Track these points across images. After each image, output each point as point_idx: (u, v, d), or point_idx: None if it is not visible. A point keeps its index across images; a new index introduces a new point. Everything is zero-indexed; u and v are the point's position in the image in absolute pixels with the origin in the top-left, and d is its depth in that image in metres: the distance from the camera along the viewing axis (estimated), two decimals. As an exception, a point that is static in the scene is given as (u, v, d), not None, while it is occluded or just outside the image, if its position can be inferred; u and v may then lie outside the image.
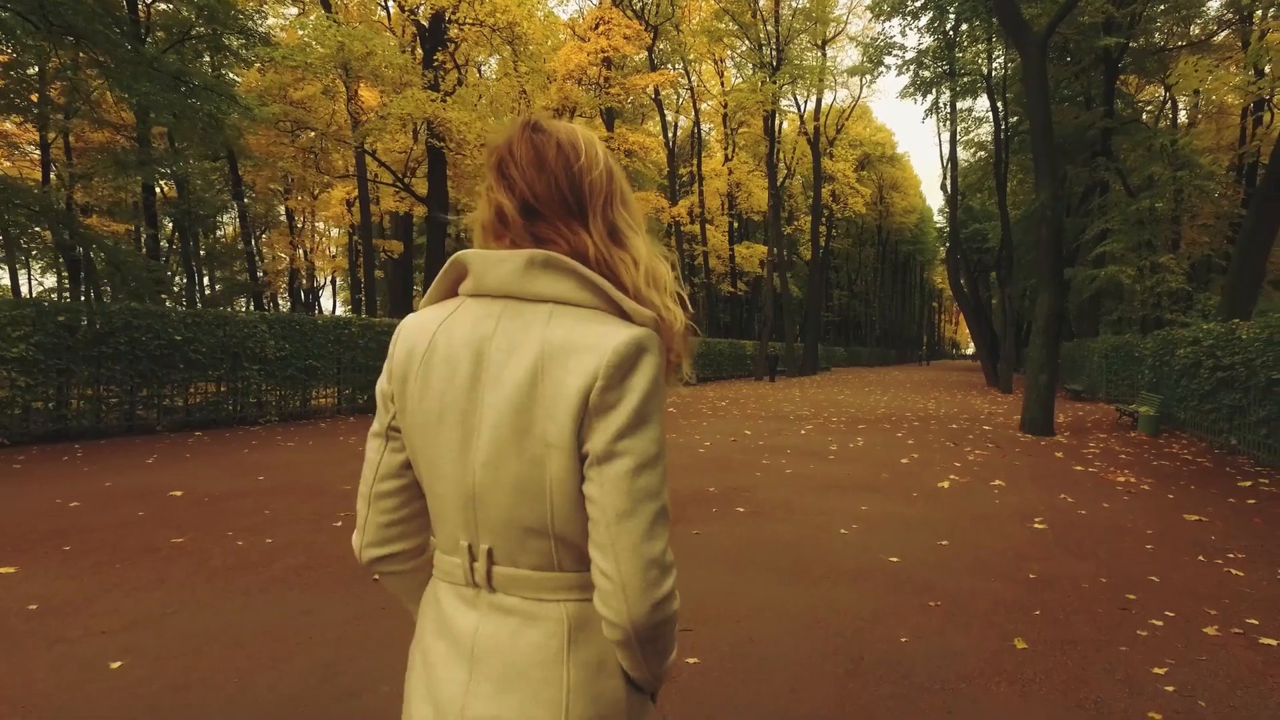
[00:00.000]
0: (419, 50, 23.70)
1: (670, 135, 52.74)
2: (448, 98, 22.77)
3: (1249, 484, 7.79)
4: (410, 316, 1.05)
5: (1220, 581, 4.48)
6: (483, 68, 32.77)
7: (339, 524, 5.52)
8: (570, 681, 0.97)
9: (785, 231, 50.92)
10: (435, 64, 22.23)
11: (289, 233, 37.95)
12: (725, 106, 43.95)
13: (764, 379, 34.37)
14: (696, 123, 46.47)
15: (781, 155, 48.95)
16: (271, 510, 5.92)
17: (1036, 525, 5.81)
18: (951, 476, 7.96)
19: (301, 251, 38.76)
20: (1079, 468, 8.80)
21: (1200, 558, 4.99)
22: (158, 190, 24.80)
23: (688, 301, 1.05)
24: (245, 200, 32.32)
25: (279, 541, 4.99)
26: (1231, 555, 5.05)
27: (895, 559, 4.84)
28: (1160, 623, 3.75)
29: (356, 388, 15.44)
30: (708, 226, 48.51)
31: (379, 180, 25.61)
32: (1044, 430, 12.07)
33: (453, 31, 22.94)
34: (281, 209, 38.09)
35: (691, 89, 44.70)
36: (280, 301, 42.62)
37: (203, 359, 12.60)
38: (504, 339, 0.96)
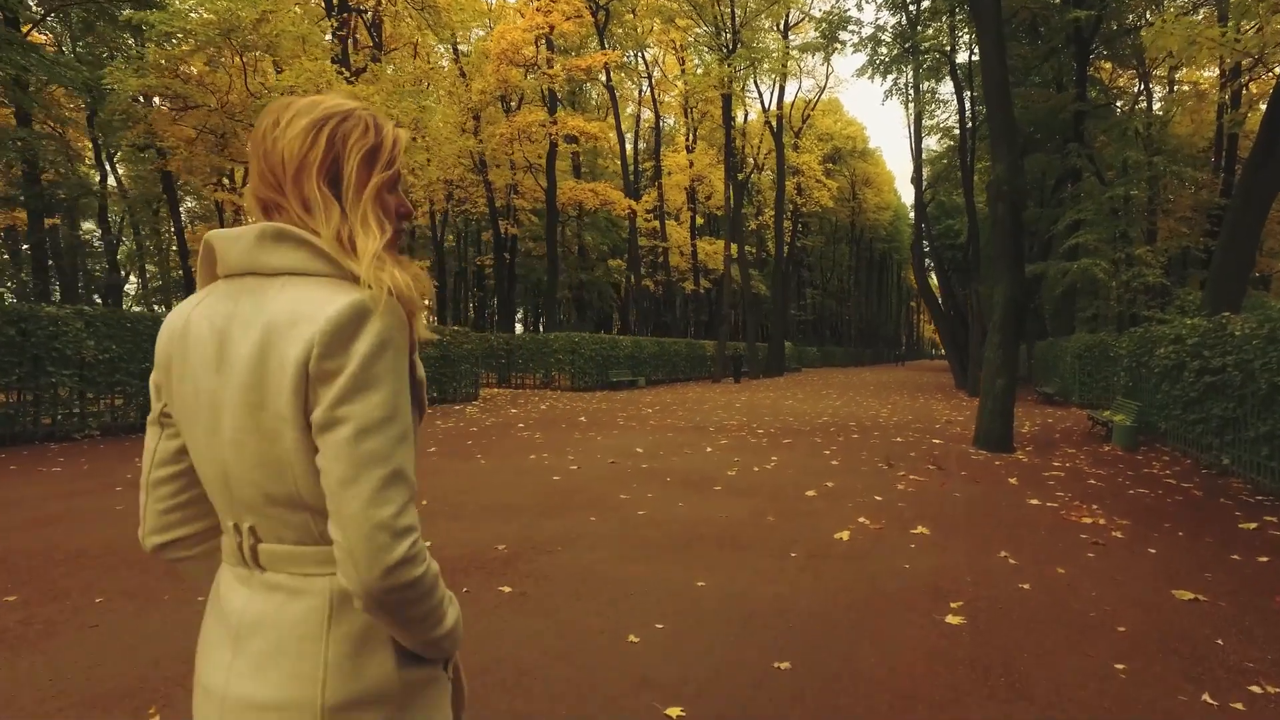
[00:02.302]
0: (327, 22, 21.49)
1: (634, 127, 50.87)
2: (358, 75, 20.57)
3: (1254, 526, 5.81)
4: (175, 306, 1.06)
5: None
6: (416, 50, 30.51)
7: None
8: (328, 656, 0.95)
9: (750, 227, 49.11)
10: (341, 34, 20.04)
11: (220, 226, 35.48)
12: (686, 99, 42.09)
13: (723, 381, 32.48)
14: (656, 114, 44.49)
15: (747, 149, 47.07)
16: None
17: (950, 619, 3.75)
18: (862, 519, 5.92)
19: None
20: (1035, 500, 6.79)
21: (1206, 696, 2.96)
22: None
23: (411, 263, 1.02)
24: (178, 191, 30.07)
25: None
26: (1257, 687, 3.03)
27: (678, 716, 2.77)
28: None
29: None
30: (671, 222, 46.60)
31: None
32: (1001, 445, 10.09)
33: (359, -1, 20.75)
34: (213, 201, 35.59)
35: (650, 78, 42.70)
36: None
37: (-11, 362, 10.35)
38: (242, 317, 0.96)
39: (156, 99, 23.07)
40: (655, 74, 44.23)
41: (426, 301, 1.01)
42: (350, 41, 25.01)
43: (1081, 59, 21.42)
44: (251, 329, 0.95)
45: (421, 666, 1.02)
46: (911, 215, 65.21)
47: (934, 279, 31.80)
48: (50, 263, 42.30)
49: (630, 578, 4.37)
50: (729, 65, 30.41)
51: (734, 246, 36.56)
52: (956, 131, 26.76)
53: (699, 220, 48.24)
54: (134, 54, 20.01)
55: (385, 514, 0.90)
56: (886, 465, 8.72)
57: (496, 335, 29.35)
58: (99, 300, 36.91)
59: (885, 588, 4.25)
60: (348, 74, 18.52)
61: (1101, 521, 5.93)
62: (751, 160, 48.45)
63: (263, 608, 0.99)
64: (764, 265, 50.54)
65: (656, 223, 43.77)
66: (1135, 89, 27.77)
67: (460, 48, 34.89)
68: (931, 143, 32.05)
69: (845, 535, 5.36)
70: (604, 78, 36.47)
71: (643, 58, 43.14)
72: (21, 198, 22.94)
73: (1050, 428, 13.44)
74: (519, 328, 52.88)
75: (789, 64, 34.14)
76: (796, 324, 71.16)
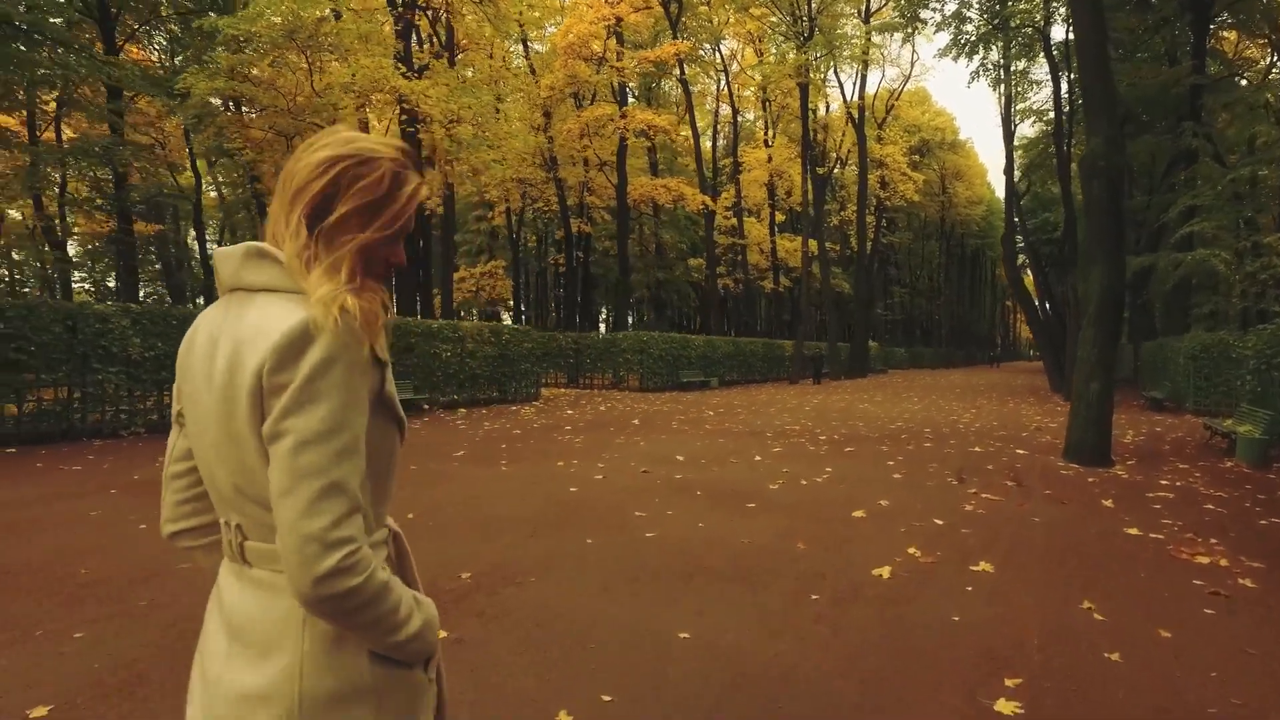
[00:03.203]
0: (390, 24, 21.46)
1: (712, 123, 49.83)
2: (423, 72, 20.44)
3: None
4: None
5: None
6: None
7: None
8: (305, 652, 0.99)
9: (832, 223, 47.33)
10: (398, 29, 19.90)
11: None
12: (764, 90, 40.77)
13: (800, 382, 31.22)
14: (734, 108, 43.36)
15: (829, 143, 45.32)
16: None
17: (1002, 706, 2.78)
18: (912, 550, 4.91)
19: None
20: (1134, 529, 5.59)
21: None
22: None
23: (379, 294, 1.05)
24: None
25: None
26: None
27: None
28: None
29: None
30: (750, 220, 45.35)
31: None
32: (1096, 458, 8.73)
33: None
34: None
35: (726, 71, 41.58)
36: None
37: (29, 359, 10.39)
38: (227, 331, 1.02)
39: (232, 103, 23.68)
40: (733, 68, 43.13)
41: (382, 322, 1.03)
42: (423, 40, 25.07)
43: (1200, 28, 19.22)
44: (228, 341, 1.01)
45: (397, 667, 1.06)
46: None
47: (1030, 276, 29.64)
48: (158, 266, 44.79)
49: (600, 622, 3.55)
50: (805, 53, 29.11)
51: (813, 243, 35.10)
52: (1051, 114, 24.68)
53: (779, 217, 46.76)
54: (209, 59, 20.49)
55: (316, 526, 0.92)
56: (956, 480, 7.59)
57: (565, 334, 28.97)
58: (201, 304, 38.62)
59: (922, 648, 3.29)
60: (404, 71, 18.29)
61: (1223, 562, 4.73)
62: (834, 155, 46.69)
63: (251, 603, 1.04)
64: (849, 263, 48.59)
65: (735, 220, 42.64)
66: (1267, 60, 24.95)
67: (535, 46, 34.79)
68: (1025, 129, 29.87)
69: (885, 572, 4.38)
70: (678, 72, 35.69)
71: (719, 52, 42.08)
72: (139, 206, 23.99)
73: (1158, 438, 11.84)
74: (603, 328, 52.54)
75: (870, 51, 32.50)
76: (883, 324, 68.52)
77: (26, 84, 19.72)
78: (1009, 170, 25.35)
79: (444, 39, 25.17)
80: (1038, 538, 5.31)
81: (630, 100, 44.07)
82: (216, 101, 22.77)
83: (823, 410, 16.38)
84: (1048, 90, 30.73)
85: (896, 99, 42.91)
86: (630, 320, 59.49)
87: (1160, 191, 22.78)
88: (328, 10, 19.16)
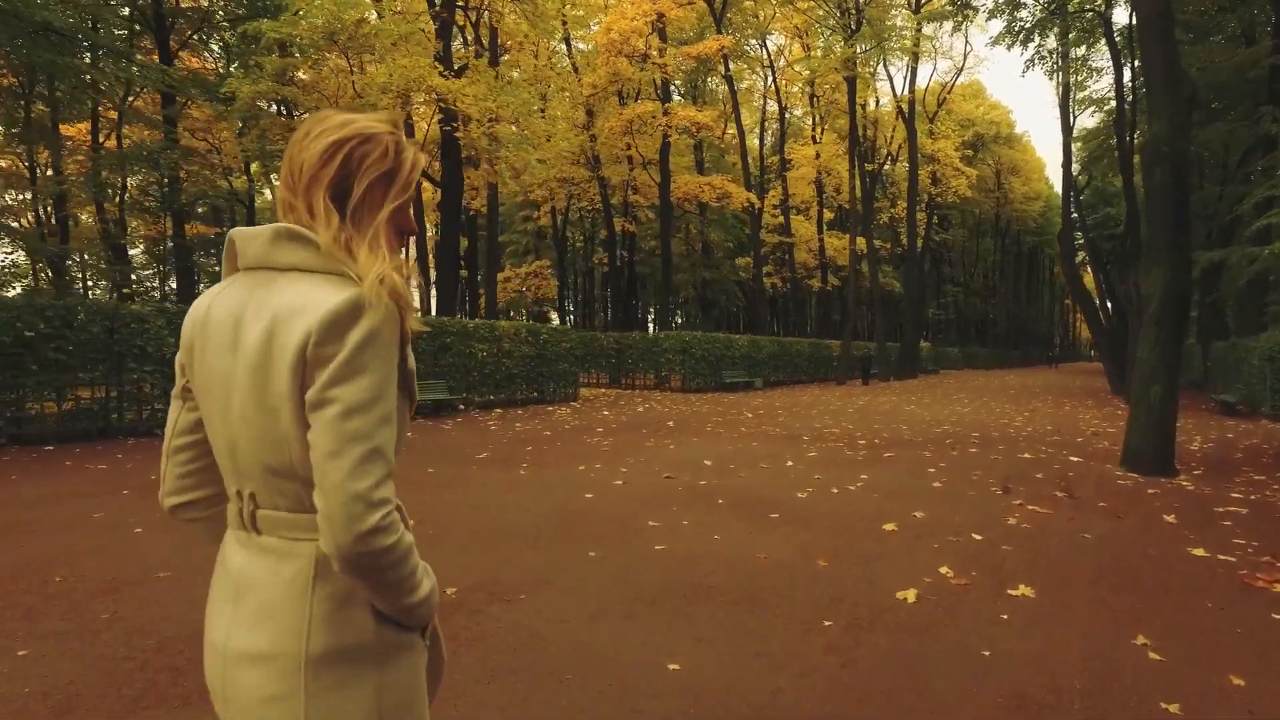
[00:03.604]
0: (429, 25, 21.48)
1: (759, 120, 49.12)
2: (461, 72, 20.40)
3: None
4: (202, 294, 1.17)
5: None
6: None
7: None
8: (313, 612, 1.05)
9: (882, 220, 46.23)
10: (436, 28, 19.86)
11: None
12: (811, 86, 39.95)
13: (848, 383, 30.50)
14: (780, 104, 42.62)
15: (879, 139, 44.25)
16: None
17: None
18: (944, 569, 4.47)
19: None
20: (1201, 550, 5.03)
21: None
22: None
23: (407, 267, 1.11)
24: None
25: None
26: None
27: None
28: None
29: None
30: (798, 218, 44.55)
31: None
32: (1157, 467, 8.07)
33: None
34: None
35: (772, 67, 40.88)
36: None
37: (67, 359, 10.53)
38: (254, 306, 1.07)
39: (282, 107, 24.07)
40: (779, 64, 42.40)
41: (410, 296, 1.08)
42: (469, 41, 25.13)
43: (1282, 4, 17.95)
44: (261, 317, 1.05)
45: (399, 630, 1.11)
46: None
47: (1090, 274, 28.31)
48: (219, 269, 46.11)
49: (584, 650, 3.22)
50: (852, 46, 28.36)
51: (861, 240, 34.22)
52: (1113, 103, 23.49)
53: (828, 215, 45.82)
54: (254, 64, 20.79)
55: (363, 486, 0.98)
56: (1001, 490, 7.05)
57: (606, 334, 28.78)
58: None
59: (941, 692, 2.87)
60: (442, 70, 18.23)
61: (1303, 590, 4.18)
62: (885, 150, 45.54)
63: (258, 568, 1.09)
64: (900, 261, 47.35)
65: (782, 218, 41.92)
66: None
67: (579, 45, 34.65)
68: (1085, 119, 28.58)
69: (911, 595, 3.95)
70: (723, 68, 35.19)
71: (765, 48, 41.40)
72: (200, 210, 24.63)
73: (1230, 445, 11.01)
74: (651, 328, 52.23)
75: (920, 43, 31.52)
76: (936, 323, 66.83)
77: (90, 92, 20.38)
78: (1066, 163, 24.22)
79: (487, 39, 25.21)
80: (1087, 558, 4.80)
81: (676, 98, 43.71)
82: (270, 107, 23.15)
83: (866, 412, 15.79)
84: (1108, 78, 29.23)
85: (948, 92, 41.62)
86: (680, 320, 59.15)
87: (1234, 182, 21.47)
88: (369, 12, 19.24)
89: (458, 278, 23.10)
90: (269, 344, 1.03)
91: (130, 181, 26.02)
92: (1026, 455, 9.47)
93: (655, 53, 27.94)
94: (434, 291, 38.68)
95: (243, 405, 1.06)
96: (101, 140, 25.47)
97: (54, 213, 26.52)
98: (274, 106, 23.97)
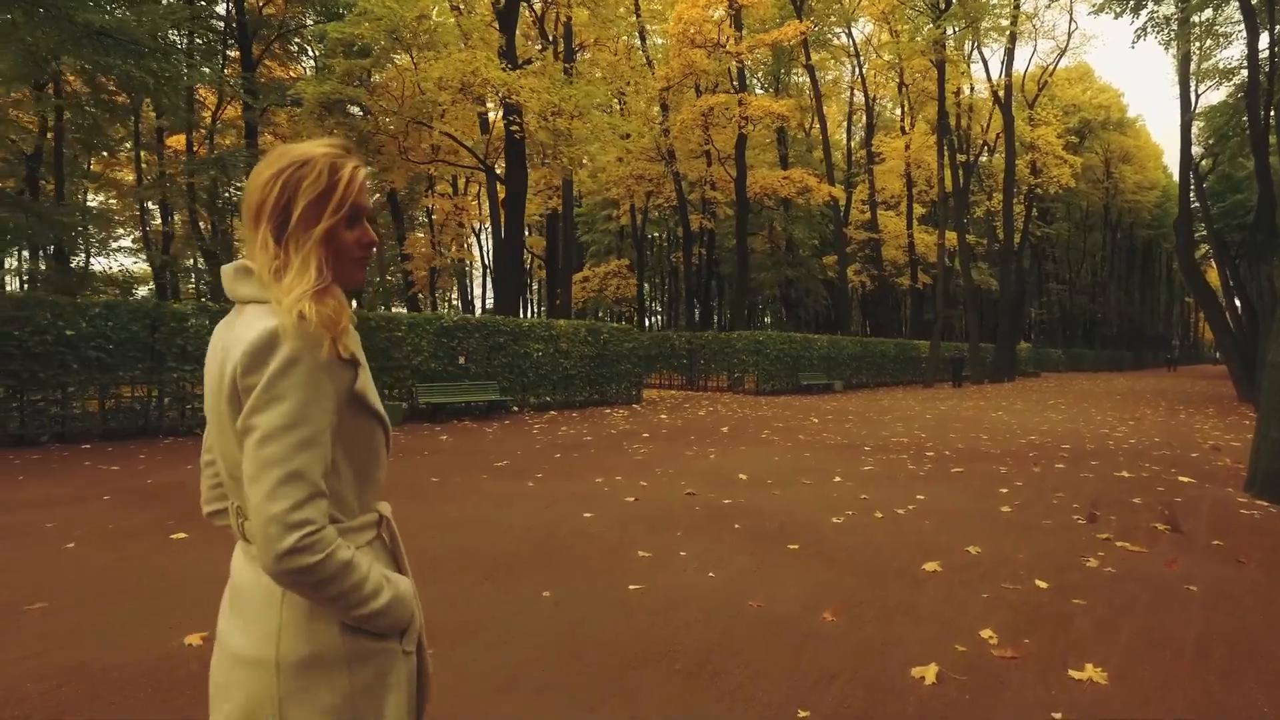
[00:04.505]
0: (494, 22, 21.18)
1: (846, 112, 47.25)
2: (525, 66, 20.00)
3: None
4: None
5: None
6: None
7: None
8: (283, 619, 1.10)
9: (975, 214, 43.59)
10: (500, 22, 19.49)
11: (429, 231, 37.37)
12: (900, 74, 37.91)
13: (936, 385, 28.74)
14: (866, 94, 40.75)
15: (974, 129, 41.59)
16: None
17: None
18: (986, 633, 3.45)
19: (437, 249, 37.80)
20: (1348, 611, 3.81)
21: None
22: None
23: (331, 297, 1.13)
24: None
25: None
26: None
27: None
28: None
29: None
30: (888, 213, 42.53)
31: (457, 164, 23.43)
32: (1292, 494, 6.63)
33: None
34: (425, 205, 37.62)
35: (858, 57, 39.08)
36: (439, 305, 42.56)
37: (106, 357, 10.51)
38: (223, 339, 1.16)
39: (359, 108, 24.28)
40: (868, 55, 40.52)
41: (343, 324, 1.11)
42: (551, 39, 24.80)
43: None
44: (222, 348, 1.14)
45: (370, 637, 1.14)
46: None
47: (1214, 267, 25.54)
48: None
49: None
50: (940, 27, 26.54)
51: (951, 235, 32.15)
52: (1243, 74, 20.96)
53: (918, 209, 43.53)
54: (324, 65, 21.02)
55: (278, 509, 1.03)
56: (1085, 519, 5.85)
57: (678, 334, 27.98)
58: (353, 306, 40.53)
59: None
60: (501, 64, 17.84)
61: None
62: (981, 140, 42.84)
63: (248, 575, 1.16)
64: (998, 258, 44.51)
65: (870, 214, 40.05)
66: None
67: (657, 40, 33.93)
68: (1210, 96, 25.77)
69: (931, 674, 2.98)
70: (804, 58, 33.78)
71: (850, 36, 39.59)
72: None
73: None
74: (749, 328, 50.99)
75: (1017, 21, 29.28)
76: (1037, 323, 62.88)
77: (182, 99, 21.12)
78: (1185, 143, 21.76)
79: (560, 35, 24.83)
80: (1190, 621, 3.67)
81: (759, 92, 42.39)
82: (359, 111, 23.33)
83: (945, 419, 14.39)
84: (1238, 46, 26.21)
85: (1050, 75, 38.73)
86: (769, 320, 57.58)
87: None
88: (432, 10, 19.06)
89: (520, 276, 22.75)
90: (220, 375, 1.12)
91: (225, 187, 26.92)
92: (1124, 473, 8.09)
93: (729, 41, 26.88)
94: (484, 290, 38.71)
95: (218, 431, 1.16)
96: (195, 150, 26.45)
97: (160, 222, 27.89)
98: (358, 110, 24.17)
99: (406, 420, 13.50)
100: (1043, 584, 4.17)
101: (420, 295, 38.73)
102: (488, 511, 5.87)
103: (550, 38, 24.38)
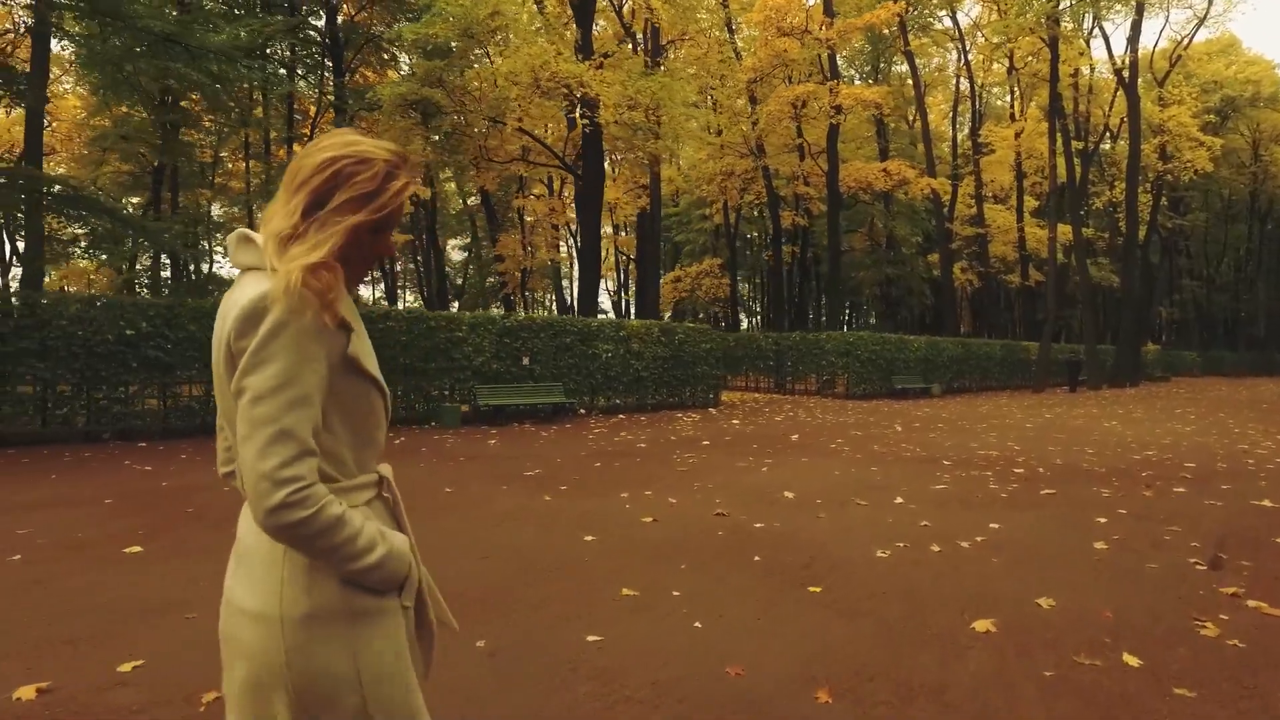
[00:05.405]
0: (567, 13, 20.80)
1: (953, 101, 44.64)
2: (603, 59, 19.52)
3: None
4: None
5: None
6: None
7: None
8: (285, 575, 1.15)
9: (1094, 205, 40.24)
10: (578, 11, 19.05)
11: (520, 231, 37.49)
12: (1010, 58, 35.29)
13: (1047, 390, 26.55)
14: (970, 80, 38.26)
15: (1094, 113, 38.27)
16: None
17: None
18: (1039, 736, 2.51)
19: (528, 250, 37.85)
20: None
21: None
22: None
23: (327, 267, 1.14)
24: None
25: None
26: None
27: None
28: None
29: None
30: (997, 207, 39.84)
31: (539, 163, 23.16)
32: None
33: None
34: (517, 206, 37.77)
35: (962, 39, 36.69)
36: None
37: (165, 356, 10.61)
38: (225, 304, 1.19)
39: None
40: (976, 39, 38.05)
41: (333, 294, 1.14)
42: (642, 39, 24.35)
43: None
44: (221, 315, 1.18)
45: (370, 594, 1.19)
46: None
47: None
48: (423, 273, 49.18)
49: None
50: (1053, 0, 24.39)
51: (1065, 228, 29.56)
52: None
53: (1031, 202, 40.53)
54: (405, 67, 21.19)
55: (267, 466, 1.07)
56: (1208, 564, 4.65)
57: (765, 335, 26.91)
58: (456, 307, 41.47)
59: None
60: (567, 55, 17.37)
61: None
62: (1102, 125, 39.43)
63: (252, 534, 1.20)
64: (1126, 253, 40.84)
65: (975, 208, 37.58)
66: None
67: (749, 32, 32.86)
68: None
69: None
70: (902, 43, 31.96)
71: (955, 21, 37.21)
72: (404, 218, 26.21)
73: None
74: (844, 328, 49.15)
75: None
76: (1168, 323, 57.73)
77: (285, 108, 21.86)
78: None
79: (637, 28, 24.27)
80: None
81: (857, 83, 40.53)
82: (459, 118, 23.48)
83: (1048, 429, 12.84)
84: None
85: (1184, 49, 35.16)
86: (872, 320, 55.20)
87: None
88: (506, 7, 18.84)
89: (598, 275, 22.23)
90: (220, 338, 1.16)
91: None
92: (1265, 502, 6.65)
93: (819, 27, 25.58)
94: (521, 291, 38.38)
95: (221, 394, 1.20)
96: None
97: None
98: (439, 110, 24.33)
99: (465, 423, 13.19)
100: (1134, 660, 3.14)
101: (514, 296, 38.98)
102: (479, 531, 5.24)
103: (630, 31, 23.82)
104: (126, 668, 2.90)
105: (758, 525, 5.50)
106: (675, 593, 3.95)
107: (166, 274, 26.44)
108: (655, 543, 4.96)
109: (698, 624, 3.51)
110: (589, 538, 5.07)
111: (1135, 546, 5.03)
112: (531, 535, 5.14)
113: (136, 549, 4.61)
